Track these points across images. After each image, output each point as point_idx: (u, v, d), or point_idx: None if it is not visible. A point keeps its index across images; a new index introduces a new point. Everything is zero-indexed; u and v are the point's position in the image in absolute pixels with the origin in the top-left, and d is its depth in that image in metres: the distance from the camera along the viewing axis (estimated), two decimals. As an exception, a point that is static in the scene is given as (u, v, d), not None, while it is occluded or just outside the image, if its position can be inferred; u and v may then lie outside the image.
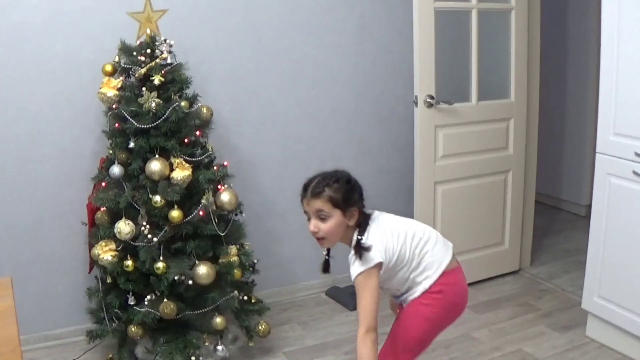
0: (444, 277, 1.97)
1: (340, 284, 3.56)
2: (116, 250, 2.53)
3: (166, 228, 2.50)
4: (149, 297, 2.53)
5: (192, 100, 2.67)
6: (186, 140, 2.57)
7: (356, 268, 1.89)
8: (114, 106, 2.55)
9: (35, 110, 2.74)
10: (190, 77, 2.67)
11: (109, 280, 2.61)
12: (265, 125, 3.24)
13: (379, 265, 1.89)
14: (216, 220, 2.55)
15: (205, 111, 2.66)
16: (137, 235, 2.50)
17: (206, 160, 2.66)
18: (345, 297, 3.40)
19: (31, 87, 2.72)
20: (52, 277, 2.90)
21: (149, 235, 2.47)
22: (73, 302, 2.92)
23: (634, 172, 2.54)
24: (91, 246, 2.62)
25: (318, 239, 1.97)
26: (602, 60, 2.64)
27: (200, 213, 2.51)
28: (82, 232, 2.80)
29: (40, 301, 2.89)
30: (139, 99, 2.49)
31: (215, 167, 2.63)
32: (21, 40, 2.66)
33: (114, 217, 2.55)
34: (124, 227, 2.46)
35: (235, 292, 2.65)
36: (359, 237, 1.93)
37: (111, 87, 2.53)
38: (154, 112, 2.47)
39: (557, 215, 4.74)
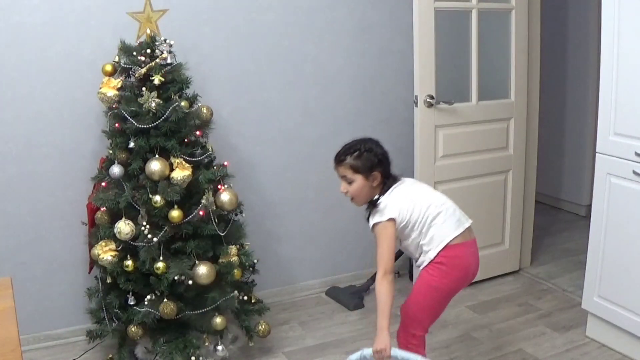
0: (446, 250, 2.17)
1: (340, 284, 3.57)
2: (116, 250, 2.53)
3: (166, 228, 2.50)
4: (149, 297, 2.53)
5: (192, 100, 2.66)
6: (186, 140, 2.57)
7: (373, 219, 2.19)
8: (114, 106, 2.55)
9: (35, 110, 2.74)
10: (190, 77, 2.67)
11: (109, 280, 2.61)
12: (265, 125, 3.24)
13: (392, 220, 2.16)
14: (216, 220, 2.55)
15: (205, 111, 2.66)
16: (137, 235, 2.50)
17: (206, 160, 2.66)
18: (345, 297, 3.40)
19: (31, 87, 2.72)
20: (52, 277, 2.91)
21: (149, 235, 2.47)
22: (73, 302, 2.92)
23: (634, 172, 2.54)
24: (91, 246, 2.62)
25: (350, 198, 2.27)
26: (602, 60, 2.64)
27: (200, 213, 2.51)
28: (82, 232, 2.80)
29: (40, 301, 2.89)
30: (139, 99, 2.49)
31: (215, 167, 2.63)
32: (21, 40, 2.66)
33: (114, 217, 2.55)
34: (124, 227, 2.46)
35: (235, 292, 2.65)
36: (377, 196, 2.21)
37: (111, 87, 2.53)
38: (154, 112, 2.47)
39: (557, 215, 4.74)
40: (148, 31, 2.59)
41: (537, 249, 3.96)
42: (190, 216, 2.51)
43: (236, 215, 2.74)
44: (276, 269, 3.39)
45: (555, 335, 2.97)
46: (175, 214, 2.47)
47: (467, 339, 2.97)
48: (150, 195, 2.47)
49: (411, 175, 3.31)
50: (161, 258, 2.48)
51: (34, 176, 2.80)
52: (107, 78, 2.56)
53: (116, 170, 2.52)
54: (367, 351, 2.06)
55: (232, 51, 3.08)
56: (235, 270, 2.60)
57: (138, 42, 2.61)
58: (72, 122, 2.81)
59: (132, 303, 2.57)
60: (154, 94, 2.49)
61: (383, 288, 2.10)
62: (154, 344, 2.61)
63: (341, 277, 3.61)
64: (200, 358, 2.56)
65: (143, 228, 2.48)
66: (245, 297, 2.74)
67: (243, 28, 3.09)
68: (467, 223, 2.25)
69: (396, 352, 2.04)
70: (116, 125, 2.53)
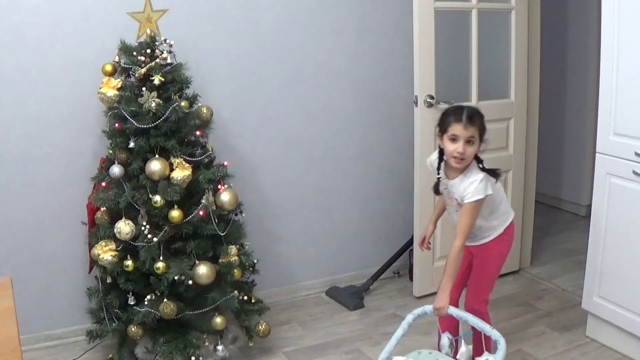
0: (509, 227, 2.47)
1: (340, 284, 3.57)
2: (116, 250, 2.53)
3: (166, 228, 2.50)
4: (149, 297, 2.53)
5: (192, 100, 2.67)
6: (186, 140, 2.57)
7: (474, 195, 2.26)
8: (114, 106, 2.55)
9: (35, 110, 2.74)
10: (190, 77, 2.67)
11: (109, 280, 2.61)
12: (265, 125, 3.24)
13: (486, 197, 2.28)
14: (216, 220, 2.55)
15: (205, 111, 2.66)
16: (137, 235, 2.50)
17: (206, 160, 2.66)
18: (345, 297, 3.40)
19: (31, 87, 2.72)
20: (52, 277, 2.91)
21: (149, 235, 2.47)
22: (73, 302, 2.92)
23: (634, 172, 2.54)
24: (91, 246, 2.62)
25: (458, 159, 2.26)
26: (602, 60, 2.64)
27: (200, 213, 2.51)
28: (82, 232, 2.80)
29: (40, 301, 2.89)
30: (139, 99, 2.49)
31: (215, 167, 2.63)
32: (21, 40, 2.66)
33: (114, 217, 2.55)
34: (124, 227, 2.46)
35: (235, 292, 2.66)
36: (484, 165, 2.32)
37: (111, 87, 2.53)
38: (154, 112, 2.47)
39: (557, 215, 4.74)
40: (148, 31, 2.59)
41: (537, 249, 3.96)
42: (190, 216, 2.51)
43: (236, 215, 2.74)
44: (276, 269, 3.39)
45: (555, 335, 2.97)
46: (175, 214, 2.47)
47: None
48: (150, 195, 2.47)
49: (411, 175, 3.32)
50: (161, 258, 2.47)
51: (34, 176, 2.80)
52: (107, 78, 2.56)
53: (116, 170, 2.52)
54: (428, 307, 2.29)
55: (232, 51, 3.08)
56: (235, 270, 2.60)
57: (138, 42, 2.61)
58: (72, 122, 2.81)
59: (132, 303, 2.57)
60: (154, 94, 2.49)
61: (460, 255, 2.29)
62: (154, 344, 2.61)
63: (341, 277, 3.61)
64: (200, 358, 2.56)
65: (143, 228, 2.48)
66: (245, 297, 2.74)
67: (243, 28, 3.08)
68: None
69: (452, 310, 2.27)
70: (116, 125, 2.53)
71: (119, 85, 2.54)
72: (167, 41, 2.61)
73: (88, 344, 2.75)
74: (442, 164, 2.39)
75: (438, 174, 2.41)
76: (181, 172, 2.47)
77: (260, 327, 2.76)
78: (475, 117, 2.25)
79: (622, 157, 2.59)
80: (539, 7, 3.51)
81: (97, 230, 2.58)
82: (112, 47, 2.63)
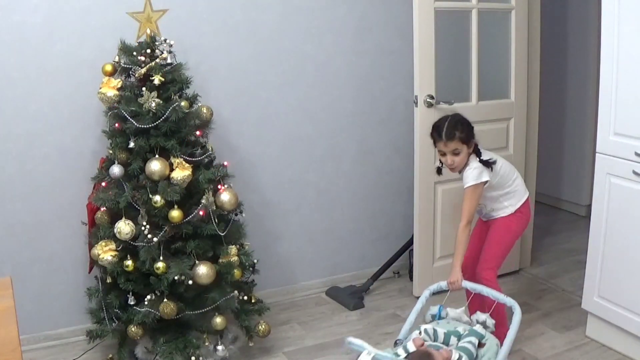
0: (524, 204, 2.72)
1: (340, 284, 3.57)
2: (116, 250, 2.53)
3: (166, 228, 2.50)
4: (149, 297, 2.53)
5: (192, 100, 2.66)
6: (186, 140, 2.57)
7: (470, 181, 2.56)
8: (114, 106, 2.55)
9: (35, 110, 2.74)
10: (190, 77, 2.67)
11: (109, 280, 2.61)
12: (265, 125, 3.24)
13: (485, 182, 2.57)
14: (216, 220, 2.55)
15: (205, 111, 2.66)
16: (137, 235, 2.50)
17: (206, 160, 2.66)
18: (345, 297, 3.40)
19: (31, 87, 2.72)
20: (52, 277, 2.91)
21: (149, 235, 2.47)
22: (73, 302, 2.92)
23: (634, 172, 2.54)
24: (91, 246, 2.62)
25: (451, 168, 2.61)
26: (602, 60, 2.64)
27: (200, 213, 2.51)
28: (82, 232, 2.80)
29: (40, 301, 2.89)
30: (139, 99, 2.49)
31: (215, 167, 2.63)
32: (21, 40, 2.66)
33: (114, 217, 2.55)
34: (124, 227, 2.46)
35: (235, 292, 2.66)
36: (482, 158, 2.58)
37: (111, 87, 2.53)
38: (154, 112, 2.47)
39: (557, 215, 4.74)
40: (148, 31, 2.59)
41: (537, 249, 3.96)
42: (190, 216, 2.51)
43: (236, 215, 2.74)
44: (276, 269, 3.39)
45: (555, 335, 2.97)
46: (175, 214, 2.47)
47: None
48: (150, 195, 2.47)
49: (411, 175, 3.32)
50: (161, 258, 2.47)
51: (34, 176, 2.80)
52: (107, 78, 2.56)
53: (116, 170, 2.52)
54: (443, 283, 2.53)
55: (232, 51, 3.08)
56: (235, 270, 2.60)
57: (138, 42, 2.61)
58: (72, 122, 2.81)
59: (132, 303, 2.57)
60: (154, 94, 2.49)
61: (464, 235, 2.58)
62: (154, 344, 2.61)
63: (341, 277, 3.61)
64: (200, 358, 2.56)
65: (143, 228, 2.48)
66: (245, 297, 2.74)
67: (243, 28, 3.08)
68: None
69: (466, 284, 2.51)
70: (116, 125, 2.53)
71: (119, 85, 2.54)
72: (167, 41, 2.61)
73: (88, 344, 2.75)
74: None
75: (439, 174, 2.81)
76: (181, 172, 2.47)
77: (260, 327, 2.76)
78: (453, 131, 2.53)
79: (622, 157, 2.59)
80: (539, 7, 3.51)
81: (97, 230, 2.58)
82: (112, 47, 2.63)
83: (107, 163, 2.60)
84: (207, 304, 2.56)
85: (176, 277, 2.44)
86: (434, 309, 2.43)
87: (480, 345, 2.21)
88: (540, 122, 3.67)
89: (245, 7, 3.07)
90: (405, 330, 2.34)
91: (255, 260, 2.75)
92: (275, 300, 3.35)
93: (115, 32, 2.66)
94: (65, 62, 2.75)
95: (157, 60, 2.54)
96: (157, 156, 2.49)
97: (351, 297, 3.38)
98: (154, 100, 2.47)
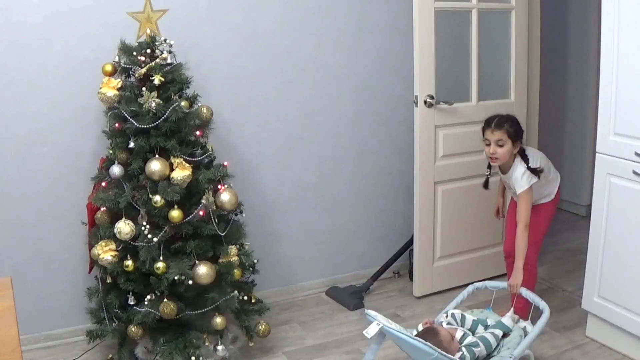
0: (558, 193, 2.97)
1: (340, 284, 3.57)
2: (116, 250, 2.53)
3: (166, 228, 2.50)
4: (149, 297, 2.53)
5: (192, 100, 2.67)
6: (186, 140, 2.57)
7: (523, 185, 2.71)
8: (114, 106, 2.55)
9: (35, 110, 2.74)
10: (190, 77, 2.67)
11: (109, 280, 2.61)
12: (265, 125, 3.24)
13: (531, 186, 2.73)
14: (216, 220, 2.55)
15: (205, 111, 2.66)
16: (137, 235, 2.50)
17: (206, 160, 2.66)
18: (345, 297, 3.40)
19: (31, 87, 2.72)
20: (52, 277, 2.91)
21: (149, 235, 2.47)
22: (73, 302, 2.92)
23: (634, 172, 2.54)
24: (91, 246, 2.62)
25: (492, 158, 2.74)
26: (602, 60, 2.64)
27: (200, 213, 2.51)
28: (82, 232, 2.80)
29: (40, 301, 2.89)
30: (139, 99, 2.49)
31: (215, 167, 2.63)
32: (21, 40, 2.66)
33: (114, 217, 2.55)
34: (124, 227, 2.46)
35: (235, 292, 2.66)
36: (528, 165, 2.72)
37: (111, 87, 2.53)
38: (154, 112, 2.47)
39: (557, 215, 4.71)
40: (148, 31, 2.59)
41: (537, 249, 3.96)
42: (190, 216, 2.51)
43: (236, 215, 2.74)
44: (276, 269, 3.39)
45: (555, 335, 2.97)
46: (175, 214, 2.47)
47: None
48: (150, 195, 2.47)
49: (411, 175, 3.32)
50: (161, 258, 2.48)
51: (34, 176, 2.80)
52: (107, 78, 2.56)
53: (116, 170, 2.52)
54: (490, 283, 2.71)
55: (232, 51, 3.08)
56: (235, 270, 2.60)
57: (138, 42, 2.61)
58: (72, 122, 2.81)
59: (132, 303, 2.57)
60: (154, 94, 2.49)
61: (524, 238, 2.71)
62: (154, 344, 2.61)
63: (341, 277, 3.61)
64: (200, 358, 2.56)
65: (143, 228, 2.48)
66: (245, 297, 2.74)
67: (243, 28, 3.08)
68: None
69: (522, 291, 2.65)
70: (116, 125, 2.53)
71: (119, 85, 2.54)
72: (167, 41, 2.62)
73: (88, 344, 2.75)
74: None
75: (488, 172, 2.95)
76: (181, 172, 2.47)
77: (260, 327, 2.76)
78: (503, 123, 2.68)
79: (622, 157, 2.59)
80: (539, 7, 3.51)
81: (97, 230, 2.58)
82: (112, 47, 2.63)
83: (107, 163, 2.60)
84: (207, 304, 2.56)
85: (176, 277, 2.44)
86: (478, 312, 2.62)
87: (505, 335, 2.48)
88: (540, 122, 3.67)
89: (246, 8, 3.07)
90: (440, 317, 2.59)
91: (255, 260, 2.75)
92: (275, 300, 3.35)
93: (115, 32, 2.66)
94: (65, 62, 2.75)
95: (157, 60, 2.54)
96: (157, 156, 2.49)
97: (351, 297, 3.38)
98: (154, 100, 2.47)
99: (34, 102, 2.74)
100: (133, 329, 2.55)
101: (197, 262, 2.49)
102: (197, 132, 2.63)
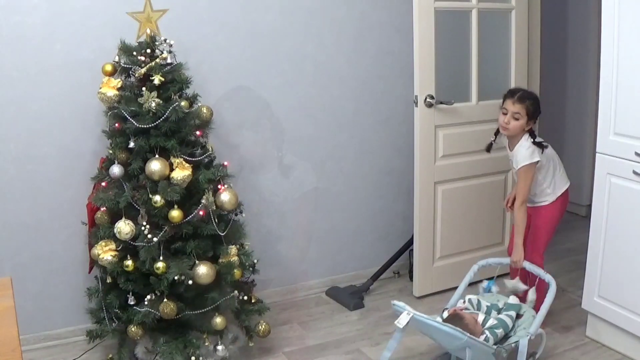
0: (564, 193, 2.91)
1: (340, 284, 3.57)
2: (116, 250, 2.53)
3: (166, 228, 2.50)
4: (149, 297, 2.53)
5: (192, 100, 2.67)
6: (186, 140, 2.57)
7: (523, 160, 2.73)
8: (114, 106, 2.55)
9: (35, 110, 2.74)
10: (190, 77, 2.67)
11: (109, 280, 2.61)
12: (265, 125, 3.24)
13: (537, 162, 2.75)
14: (216, 220, 2.55)
15: (205, 111, 2.66)
16: (137, 235, 2.50)
17: (206, 160, 2.66)
18: (345, 297, 3.40)
19: (31, 87, 2.72)
20: (52, 277, 2.91)
21: (149, 235, 2.47)
22: (73, 302, 2.92)
23: (634, 172, 2.54)
24: (91, 246, 2.62)
25: (504, 127, 2.78)
26: (602, 60, 2.64)
27: (201, 213, 2.51)
28: (82, 232, 2.80)
29: (40, 301, 2.89)
30: (139, 99, 2.49)
31: (215, 167, 2.63)
32: (21, 40, 2.66)
33: (114, 217, 2.55)
34: (124, 227, 2.46)
35: (235, 292, 2.66)
36: (535, 139, 2.76)
37: (111, 87, 2.53)
38: (154, 112, 2.47)
39: (557, 215, 4.73)
40: (148, 31, 2.59)
41: (537, 249, 3.95)
42: (190, 216, 2.51)
43: (236, 215, 2.73)
44: (276, 269, 3.39)
45: (555, 335, 2.97)
46: (175, 214, 2.47)
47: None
48: (150, 195, 2.47)
49: (411, 175, 3.32)
50: (161, 258, 2.47)
51: (34, 176, 2.80)
52: (107, 78, 2.56)
53: (116, 170, 2.52)
54: (492, 260, 2.86)
55: (232, 51, 3.08)
56: (235, 270, 2.60)
57: (138, 42, 2.61)
58: (72, 122, 2.81)
59: (132, 303, 2.57)
60: (154, 94, 2.49)
61: (521, 214, 2.77)
62: (154, 344, 2.61)
63: (341, 277, 3.61)
64: (200, 358, 2.56)
65: (143, 228, 2.48)
66: (245, 297, 2.74)
67: (243, 28, 3.08)
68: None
69: (525, 264, 2.79)
70: (116, 125, 2.53)
71: (119, 85, 2.54)
72: (167, 41, 2.61)
73: (88, 344, 2.75)
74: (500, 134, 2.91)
75: (493, 138, 2.96)
76: (181, 172, 2.47)
77: (260, 327, 2.76)
78: (526, 99, 2.72)
79: (622, 157, 2.59)
80: (539, 7, 3.51)
81: (97, 230, 2.58)
82: (112, 47, 2.63)
83: (107, 163, 2.60)
84: (207, 304, 2.56)
85: (176, 277, 2.44)
86: (485, 283, 2.78)
87: (519, 316, 2.64)
88: (540, 122, 3.66)
89: (245, 7, 3.07)
90: (454, 300, 2.73)
91: (255, 260, 2.75)
92: (275, 300, 3.35)
93: (115, 32, 2.66)
94: (65, 62, 2.75)
95: (157, 60, 2.54)
96: (157, 156, 2.49)
97: (351, 297, 3.38)
98: (154, 100, 2.47)
99: (34, 102, 2.74)
100: (133, 329, 2.55)
101: (197, 262, 2.49)
102: (197, 132, 2.63)
